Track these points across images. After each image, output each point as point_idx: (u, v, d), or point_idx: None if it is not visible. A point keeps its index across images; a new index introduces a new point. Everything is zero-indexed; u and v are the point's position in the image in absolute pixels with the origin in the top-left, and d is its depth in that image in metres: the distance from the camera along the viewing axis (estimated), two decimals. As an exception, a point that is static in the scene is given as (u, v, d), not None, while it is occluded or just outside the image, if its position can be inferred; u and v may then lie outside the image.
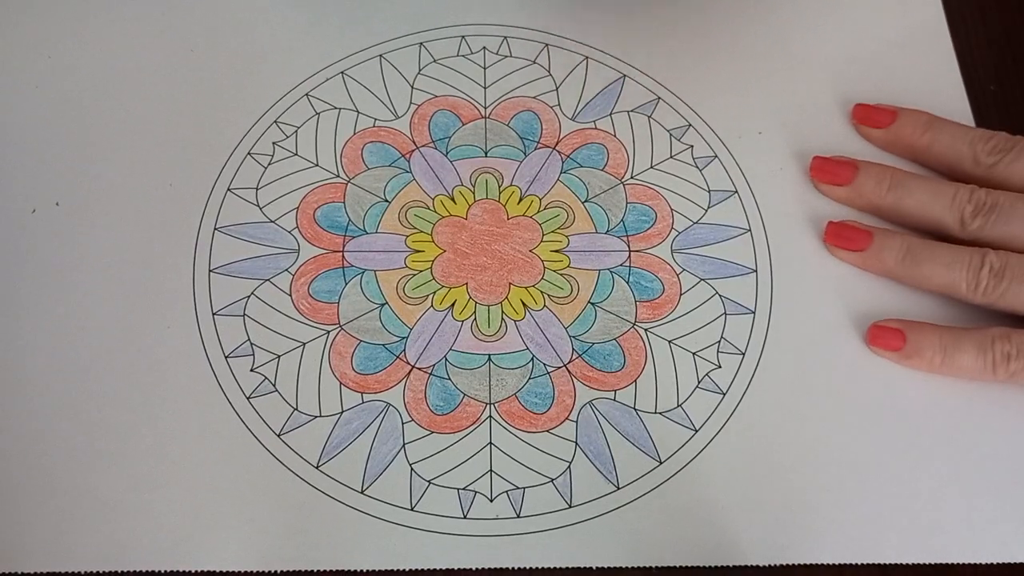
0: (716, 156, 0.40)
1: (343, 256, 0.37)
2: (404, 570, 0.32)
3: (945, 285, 0.35)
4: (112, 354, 0.35)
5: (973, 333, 0.34)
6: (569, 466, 0.34)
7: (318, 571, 0.32)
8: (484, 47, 0.42)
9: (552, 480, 0.33)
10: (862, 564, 0.32)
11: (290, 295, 0.36)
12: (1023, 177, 0.36)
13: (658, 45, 0.42)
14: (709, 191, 0.39)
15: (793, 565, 0.32)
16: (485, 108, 0.41)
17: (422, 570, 0.32)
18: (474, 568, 0.32)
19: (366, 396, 0.35)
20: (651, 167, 0.39)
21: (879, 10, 0.43)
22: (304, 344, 0.35)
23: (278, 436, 0.34)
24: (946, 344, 0.34)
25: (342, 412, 0.34)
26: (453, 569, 0.32)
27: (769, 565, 0.32)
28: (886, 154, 0.40)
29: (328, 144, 0.40)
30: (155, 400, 0.34)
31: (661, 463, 0.34)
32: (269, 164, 0.39)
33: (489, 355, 0.35)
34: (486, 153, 0.39)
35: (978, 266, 0.35)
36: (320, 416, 0.34)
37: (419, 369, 0.35)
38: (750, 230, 0.38)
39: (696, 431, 0.34)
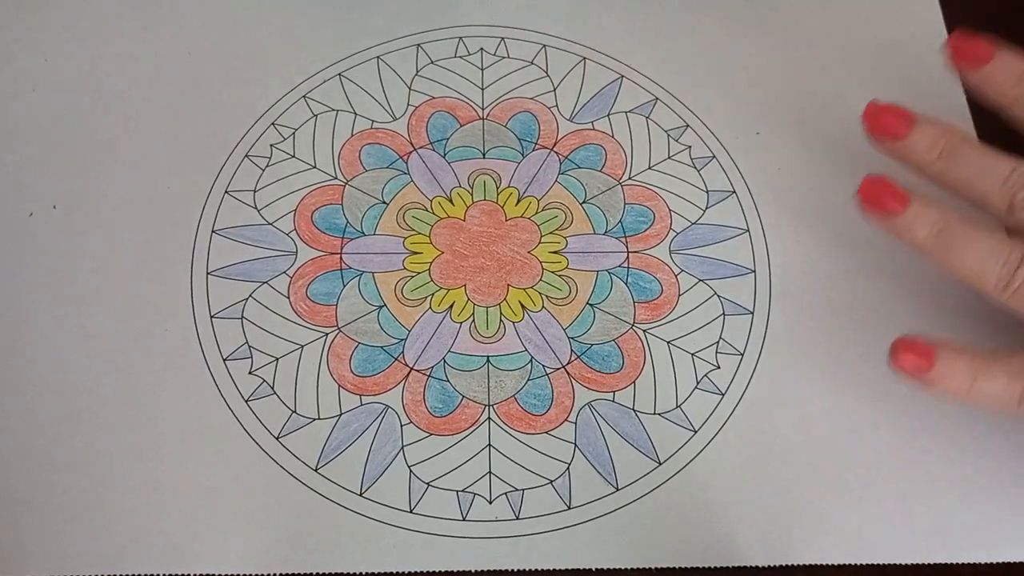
0: (714, 156, 0.40)
1: (341, 258, 0.37)
2: (403, 572, 0.32)
3: (973, 274, 0.32)
4: (110, 357, 0.35)
5: (1003, 361, 0.31)
6: (568, 467, 0.34)
7: (317, 574, 0.32)
8: (482, 48, 0.42)
9: (551, 482, 0.33)
10: (862, 564, 0.32)
11: (288, 297, 0.36)
12: None
13: (656, 45, 0.42)
14: (707, 191, 0.39)
15: (793, 566, 0.32)
16: (483, 109, 0.41)
17: (421, 572, 0.32)
18: (473, 570, 0.32)
19: (364, 398, 0.35)
20: (649, 168, 0.39)
21: (878, 10, 0.43)
22: (302, 347, 0.35)
23: (276, 439, 0.34)
24: (977, 370, 0.31)
25: (340, 414, 0.34)
26: (452, 571, 0.32)
27: (769, 566, 0.32)
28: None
29: (326, 146, 0.39)
30: (153, 403, 0.34)
31: (660, 464, 0.34)
32: (267, 166, 0.39)
33: (488, 356, 0.35)
34: (484, 154, 0.39)
35: (1015, 264, 0.31)
36: (319, 419, 0.34)
37: (418, 371, 0.35)
38: (748, 230, 0.38)
39: (695, 432, 0.34)
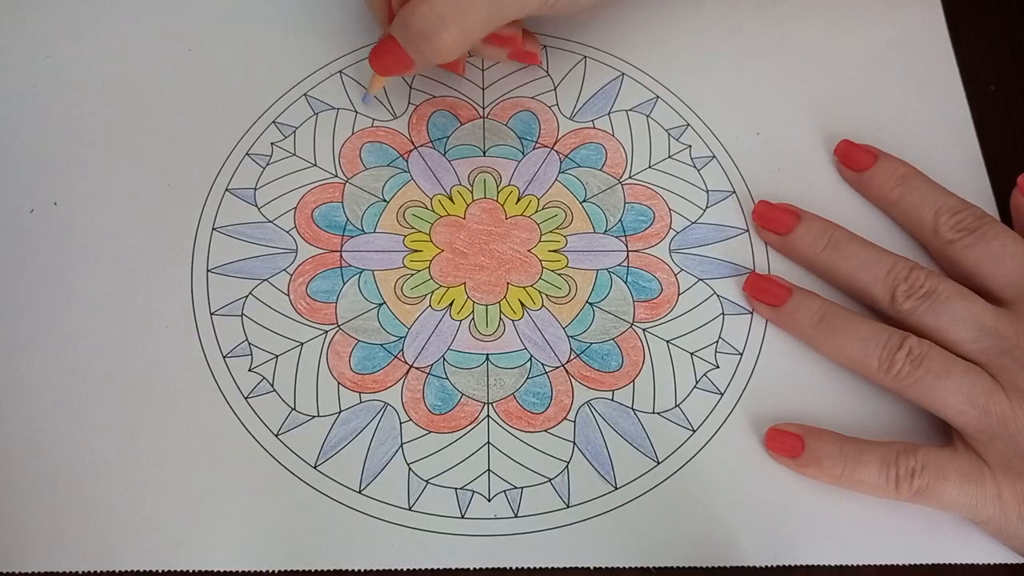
0: (714, 156, 0.40)
1: (341, 256, 0.37)
2: (402, 570, 0.32)
3: (856, 359, 0.33)
4: (110, 354, 0.35)
5: (877, 446, 0.32)
6: (567, 466, 0.34)
7: (316, 571, 0.32)
8: (483, 48, 0.42)
9: (550, 480, 0.33)
10: (861, 565, 0.32)
11: (288, 295, 0.36)
12: (975, 263, 0.34)
13: (657, 43, 0.42)
14: (707, 191, 0.39)
15: (792, 566, 0.32)
16: (483, 108, 0.41)
17: (420, 570, 0.32)
18: (472, 568, 0.32)
19: (364, 396, 0.35)
20: (649, 167, 0.39)
21: (879, 10, 0.43)
22: (302, 344, 0.35)
23: (276, 436, 0.34)
24: (847, 455, 0.32)
25: (340, 412, 0.34)
26: (451, 569, 0.32)
27: (768, 566, 0.32)
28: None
29: (326, 144, 0.40)
30: (153, 400, 0.34)
31: (659, 463, 0.34)
32: (267, 164, 0.39)
33: (487, 355, 0.35)
34: (484, 152, 0.39)
35: (895, 347, 0.33)
36: (318, 416, 0.34)
37: (417, 369, 0.35)
38: (748, 230, 0.38)
39: (694, 431, 0.34)
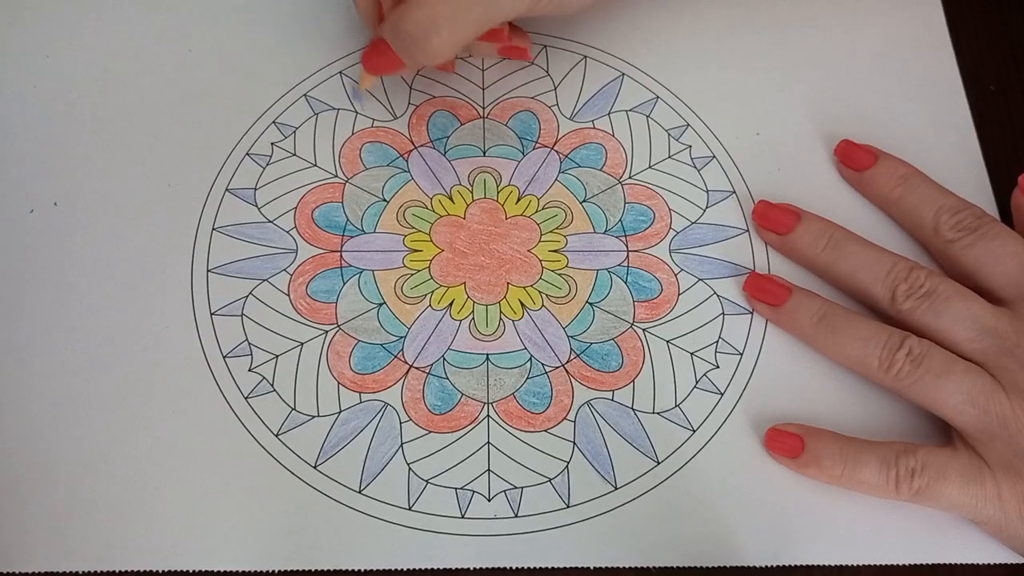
0: (714, 156, 0.40)
1: (341, 256, 0.37)
2: (402, 570, 0.32)
3: (856, 359, 0.33)
4: (110, 354, 0.35)
5: (877, 446, 0.32)
6: (567, 466, 0.34)
7: (316, 571, 0.32)
8: (482, 48, 0.42)
9: (550, 480, 0.33)
10: (861, 565, 0.32)
11: (288, 295, 0.36)
12: (976, 263, 0.34)
13: (657, 44, 0.42)
14: (707, 191, 0.39)
15: (792, 566, 0.32)
16: (483, 108, 0.41)
17: (420, 570, 0.32)
18: (472, 568, 0.32)
19: (364, 396, 0.35)
20: (649, 167, 0.39)
21: (879, 10, 0.43)
22: (302, 344, 0.35)
23: (276, 436, 0.34)
24: (847, 455, 0.32)
25: (340, 412, 0.34)
26: (451, 569, 0.32)
27: (767, 566, 0.32)
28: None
29: (326, 144, 0.40)
30: (153, 400, 0.34)
31: (659, 463, 0.34)
32: (267, 164, 0.39)
33: (487, 355, 0.35)
34: (484, 152, 0.39)
35: (895, 347, 0.33)
36: (318, 416, 0.34)
37: (417, 368, 0.35)
38: (748, 230, 0.38)
39: (694, 431, 0.34)
